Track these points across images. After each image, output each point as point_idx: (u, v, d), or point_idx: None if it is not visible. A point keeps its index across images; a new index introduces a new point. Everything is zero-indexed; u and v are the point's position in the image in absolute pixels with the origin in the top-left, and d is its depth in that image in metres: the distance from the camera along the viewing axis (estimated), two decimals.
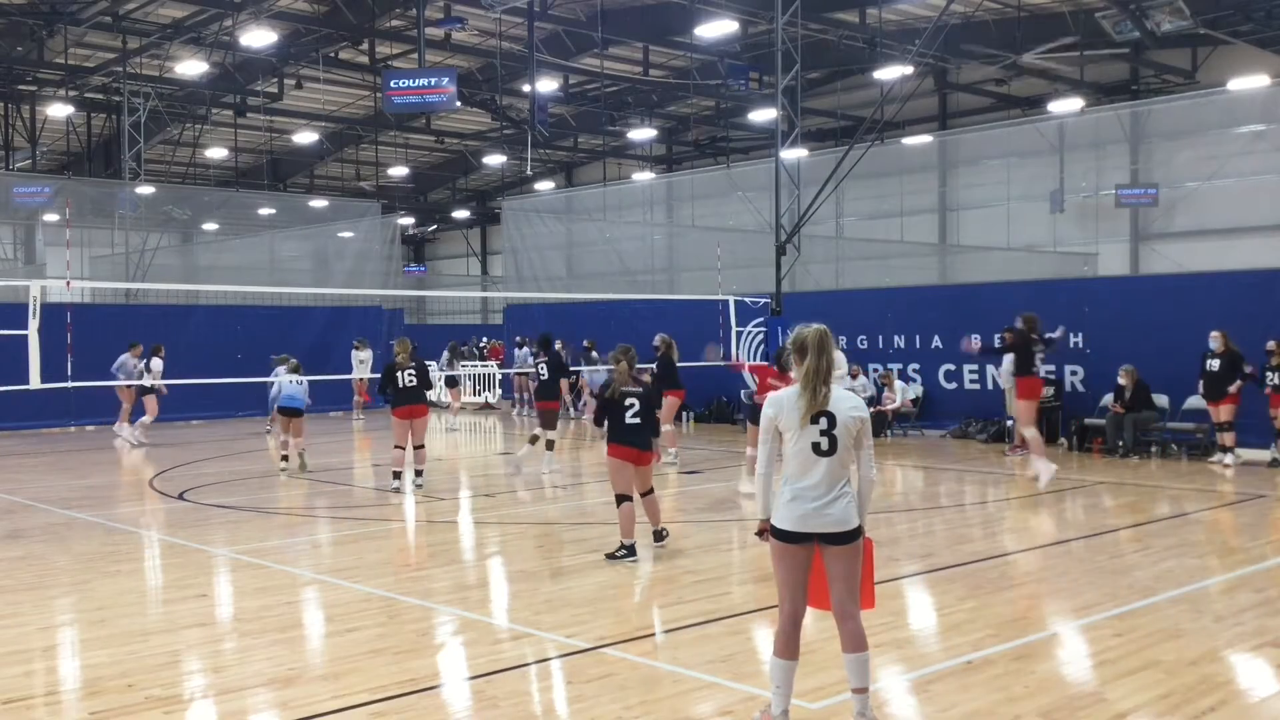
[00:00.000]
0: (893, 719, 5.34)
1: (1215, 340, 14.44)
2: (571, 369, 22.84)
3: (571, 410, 24.82)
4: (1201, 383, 14.64)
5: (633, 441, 8.98)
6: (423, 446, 13.10)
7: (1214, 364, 14.44)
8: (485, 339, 33.95)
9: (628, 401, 8.99)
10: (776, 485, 5.02)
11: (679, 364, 15.46)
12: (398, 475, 13.03)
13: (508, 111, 32.76)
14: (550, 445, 14.73)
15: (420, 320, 42.58)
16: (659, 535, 9.33)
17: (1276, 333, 14.37)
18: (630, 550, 8.82)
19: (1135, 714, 5.30)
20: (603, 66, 29.16)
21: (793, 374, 5.01)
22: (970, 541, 9.89)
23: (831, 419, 4.83)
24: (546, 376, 14.88)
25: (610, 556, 8.86)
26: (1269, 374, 14.23)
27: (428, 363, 14.90)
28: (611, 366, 9.35)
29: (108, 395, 18.79)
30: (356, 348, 23.27)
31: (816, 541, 4.85)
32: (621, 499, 8.95)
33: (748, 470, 12.15)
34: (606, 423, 9.07)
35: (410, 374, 12.79)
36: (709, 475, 14.43)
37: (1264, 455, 14.54)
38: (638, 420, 8.98)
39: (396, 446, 12.95)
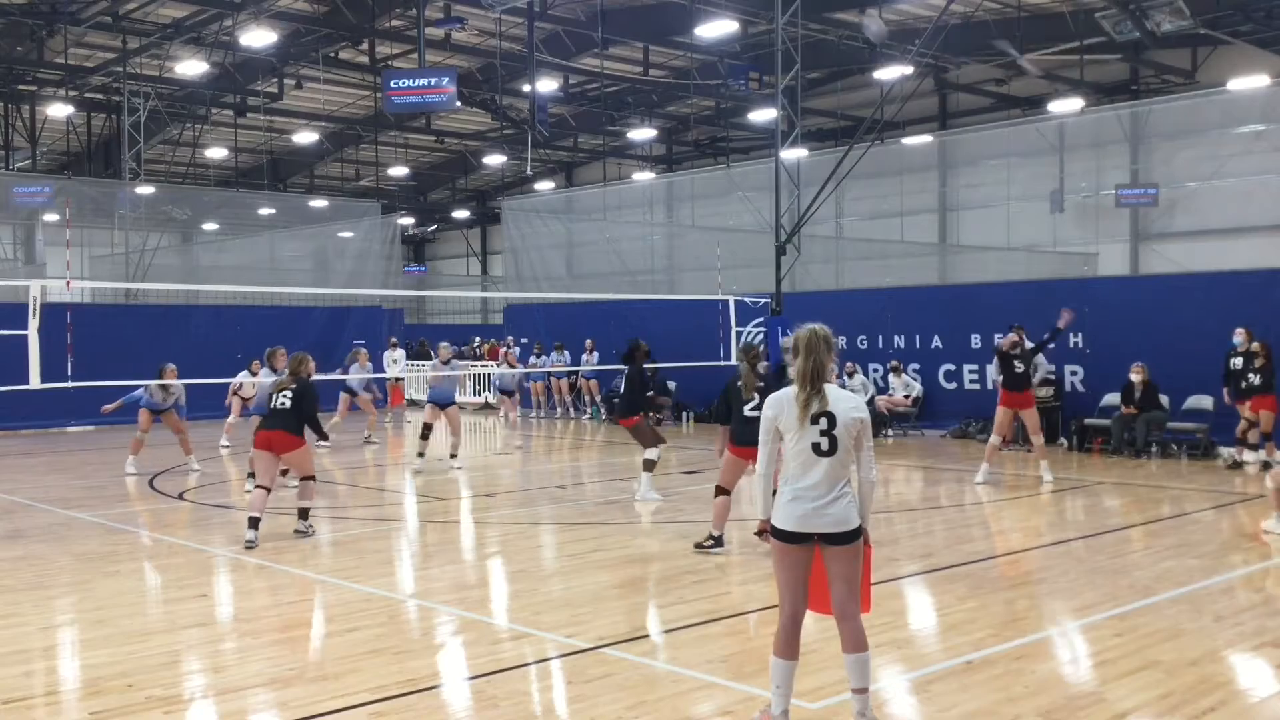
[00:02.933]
0: (893, 719, 5.34)
1: (1239, 336, 14.33)
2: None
3: (571, 410, 24.85)
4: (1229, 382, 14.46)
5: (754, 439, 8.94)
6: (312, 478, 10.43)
7: (1237, 362, 14.28)
8: (479, 339, 33.97)
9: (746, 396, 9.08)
10: (776, 485, 5.03)
11: (675, 366, 15.18)
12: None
13: (508, 111, 32.75)
14: (649, 466, 12.18)
15: (420, 320, 42.59)
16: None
17: (1277, 333, 14.36)
18: (719, 541, 8.97)
19: (1135, 714, 5.30)
20: (603, 66, 29.14)
21: (791, 373, 5.03)
22: (970, 541, 9.89)
23: (832, 419, 4.84)
24: (623, 390, 13.32)
25: (699, 547, 9.01)
26: (1251, 375, 14.15)
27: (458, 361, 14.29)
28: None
29: (108, 395, 18.70)
30: (391, 347, 23.56)
31: (817, 541, 4.86)
32: (722, 491, 9.09)
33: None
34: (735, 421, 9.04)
35: (285, 396, 10.15)
36: (709, 475, 14.40)
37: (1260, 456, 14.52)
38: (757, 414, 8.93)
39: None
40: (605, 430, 21.66)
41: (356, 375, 19.06)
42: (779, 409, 4.93)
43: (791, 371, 5.00)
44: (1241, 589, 7.93)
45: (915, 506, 12.10)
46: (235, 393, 18.20)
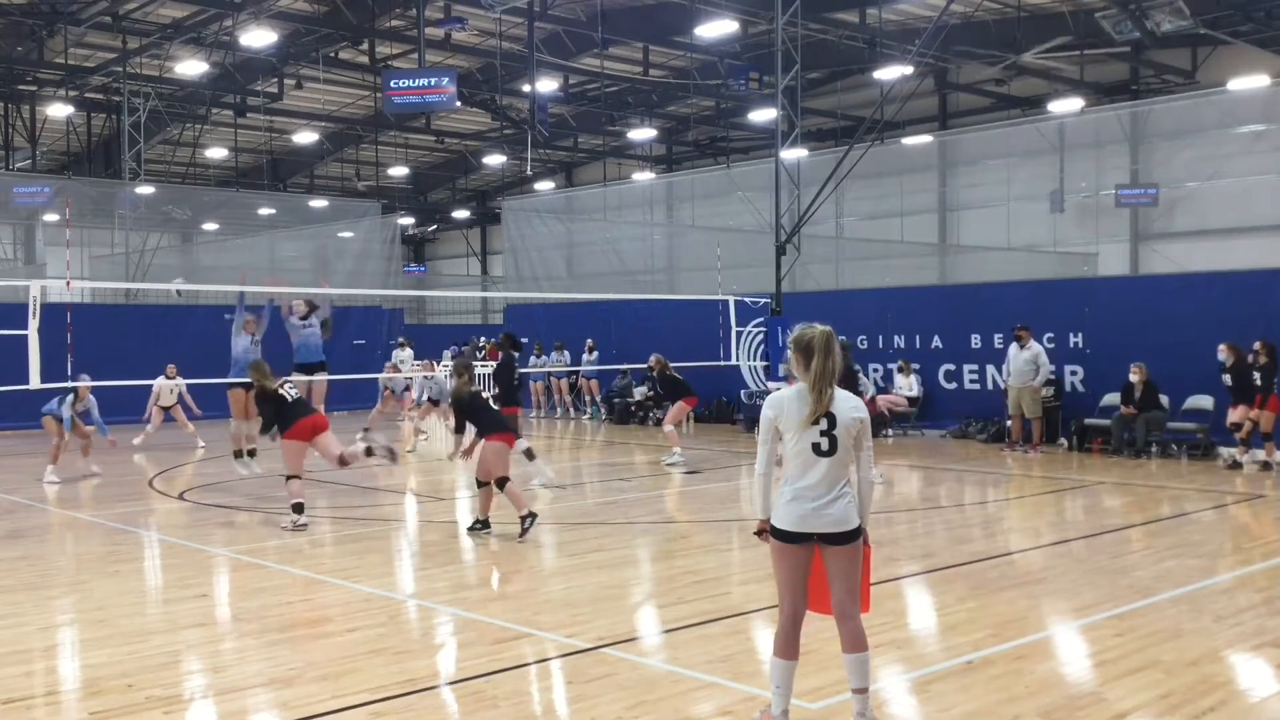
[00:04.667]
0: (893, 719, 5.34)
1: (1223, 353, 14.33)
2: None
3: (571, 410, 24.87)
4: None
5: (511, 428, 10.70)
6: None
7: (1226, 379, 14.35)
8: (482, 339, 33.95)
9: (485, 395, 10.54)
10: (776, 486, 5.02)
11: (676, 367, 15.90)
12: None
13: (508, 111, 32.74)
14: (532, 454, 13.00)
15: (420, 320, 42.56)
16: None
17: (1277, 332, 14.36)
18: (486, 524, 9.92)
19: (1135, 714, 5.30)
20: (603, 66, 29.15)
21: (794, 373, 4.98)
22: (970, 541, 9.89)
23: (832, 419, 4.82)
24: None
25: (472, 530, 9.91)
26: (1253, 374, 14.14)
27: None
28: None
29: (108, 394, 18.68)
30: (400, 346, 23.88)
31: (816, 542, 4.85)
32: (504, 481, 9.86)
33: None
34: (478, 420, 10.18)
35: (291, 388, 10.84)
36: (709, 475, 14.43)
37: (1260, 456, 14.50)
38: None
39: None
40: (605, 430, 21.67)
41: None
42: (779, 409, 4.90)
43: (794, 370, 4.94)
44: (1241, 589, 7.93)
45: (915, 506, 12.10)
46: (156, 402, 17.97)
